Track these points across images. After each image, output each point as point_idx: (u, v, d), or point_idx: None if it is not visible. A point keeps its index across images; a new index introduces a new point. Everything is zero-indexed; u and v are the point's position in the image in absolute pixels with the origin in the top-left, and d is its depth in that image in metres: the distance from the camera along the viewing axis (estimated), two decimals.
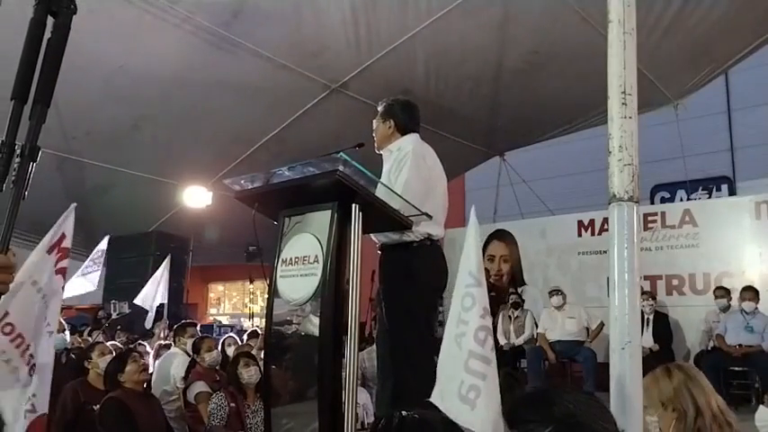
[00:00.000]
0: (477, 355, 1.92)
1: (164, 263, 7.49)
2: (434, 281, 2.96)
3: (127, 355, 3.77)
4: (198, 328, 5.52)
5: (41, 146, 1.31)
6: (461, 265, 2.13)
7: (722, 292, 6.35)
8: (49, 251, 2.89)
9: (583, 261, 7.73)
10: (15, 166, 1.26)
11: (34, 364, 2.72)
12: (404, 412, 1.14)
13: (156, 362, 5.18)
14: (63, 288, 2.98)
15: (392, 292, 2.89)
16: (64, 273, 2.94)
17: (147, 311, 7.42)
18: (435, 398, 1.97)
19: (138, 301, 7.33)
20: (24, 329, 2.68)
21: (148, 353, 5.75)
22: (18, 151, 1.27)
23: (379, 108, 3.16)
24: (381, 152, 3.11)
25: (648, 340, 6.38)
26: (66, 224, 3.01)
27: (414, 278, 2.83)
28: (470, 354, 1.93)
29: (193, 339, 4.94)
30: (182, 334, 5.07)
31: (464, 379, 1.91)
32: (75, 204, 3.10)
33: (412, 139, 3.06)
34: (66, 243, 2.97)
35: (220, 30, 5.68)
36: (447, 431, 1.14)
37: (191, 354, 4.82)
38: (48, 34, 1.35)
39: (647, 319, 6.54)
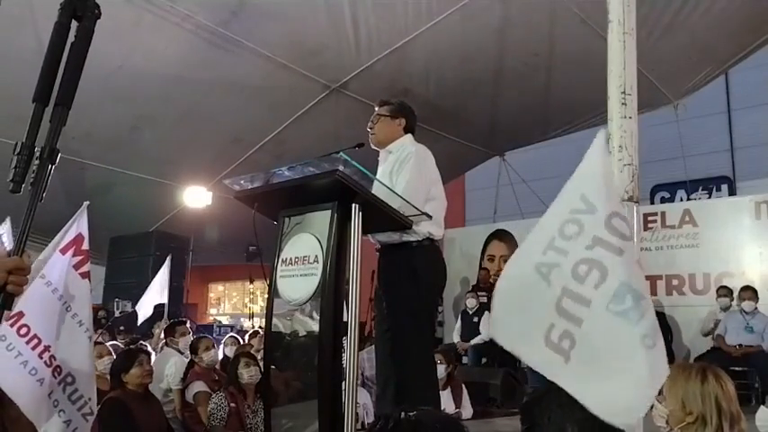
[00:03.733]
0: (571, 293, 1.54)
1: (164, 264, 7.47)
2: (436, 280, 2.98)
3: (135, 355, 3.72)
4: (188, 324, 5.50)
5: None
6: (570, 184, 1.65)
7: (725, 291, 6.32)
8: (63, 251, 2.83)
9: None
10: (34, 168, 1.27)
11: (58, 366, 2.64)
12: (402, 413, 1.13)
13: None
14: (91, 291, 2.94)
15: (394, 293, 2.88)
16: (89, 276, 2.88)
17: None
18: (504, 340, 1.56)
19: (139, 307, 7.35)
20: (40, 331, 2.62)
21: (149, 353, 5.74)
22: (37, 153, 1.27)
23: (385, 106, 3.10)
24: (380, 150, 3.08)
25: None
26: (81, 224, 2.95)
27: (415, 278, 2.82)
28: (564, 291, 1.54)
29: (185, 337, 4.93)
30: (172, 334, 5.06)
31: (555, 322, 1.52)
32: (87, 203, 3.07)
33: (412, 140, 3.06)
34: (86, 245, 2.92)
35: (220, 29, 5.69)
36: None
37: (182, 351, 4.81)
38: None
39: None
